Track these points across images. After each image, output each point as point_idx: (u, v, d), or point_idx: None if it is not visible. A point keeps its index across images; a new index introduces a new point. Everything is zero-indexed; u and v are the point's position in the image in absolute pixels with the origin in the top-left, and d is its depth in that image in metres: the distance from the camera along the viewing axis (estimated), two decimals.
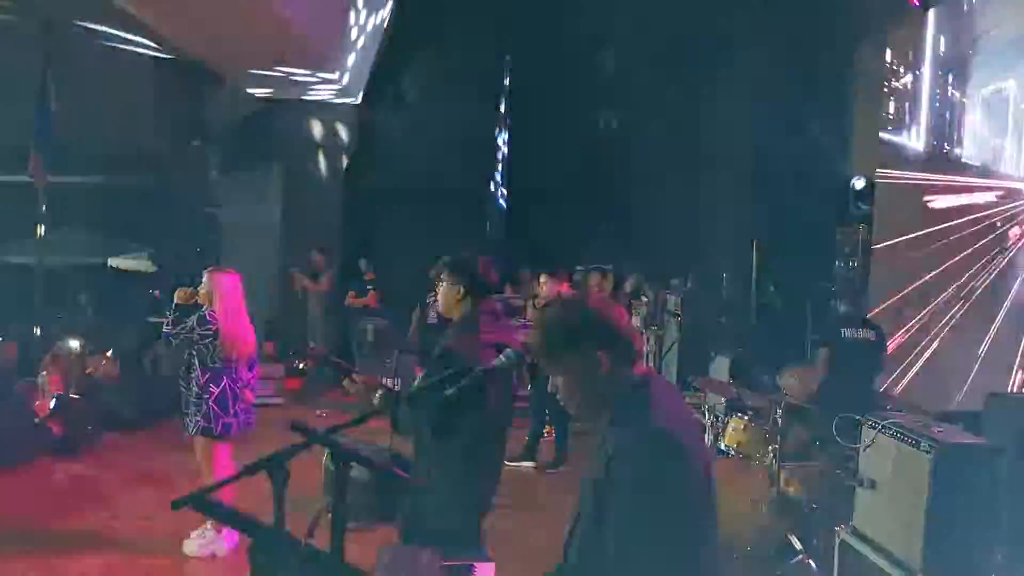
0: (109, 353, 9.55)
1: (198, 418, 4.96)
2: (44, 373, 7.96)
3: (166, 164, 10.26)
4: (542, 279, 7.57)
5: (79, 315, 18.97)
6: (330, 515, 2.11)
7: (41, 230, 10.62)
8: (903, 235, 7.72)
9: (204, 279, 5.10)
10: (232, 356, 5.02)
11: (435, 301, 9.32)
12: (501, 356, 2.38)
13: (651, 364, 8.73)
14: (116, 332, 13.40)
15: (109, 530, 5.51)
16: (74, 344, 9.59)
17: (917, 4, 7.05)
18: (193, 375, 5.01)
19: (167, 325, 5.04)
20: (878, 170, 8.67)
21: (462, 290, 3.35)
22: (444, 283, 3.42)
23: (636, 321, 9.94)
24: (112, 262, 19.35)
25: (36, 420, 7.22)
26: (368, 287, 10.92)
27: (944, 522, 3.31)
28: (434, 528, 3.32)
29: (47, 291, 11.30)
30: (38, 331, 10.68)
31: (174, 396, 5.65)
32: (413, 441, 3.43)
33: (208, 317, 4.96)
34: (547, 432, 7.90)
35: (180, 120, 9.77)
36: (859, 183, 9.21)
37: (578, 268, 11.09)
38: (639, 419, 1.87)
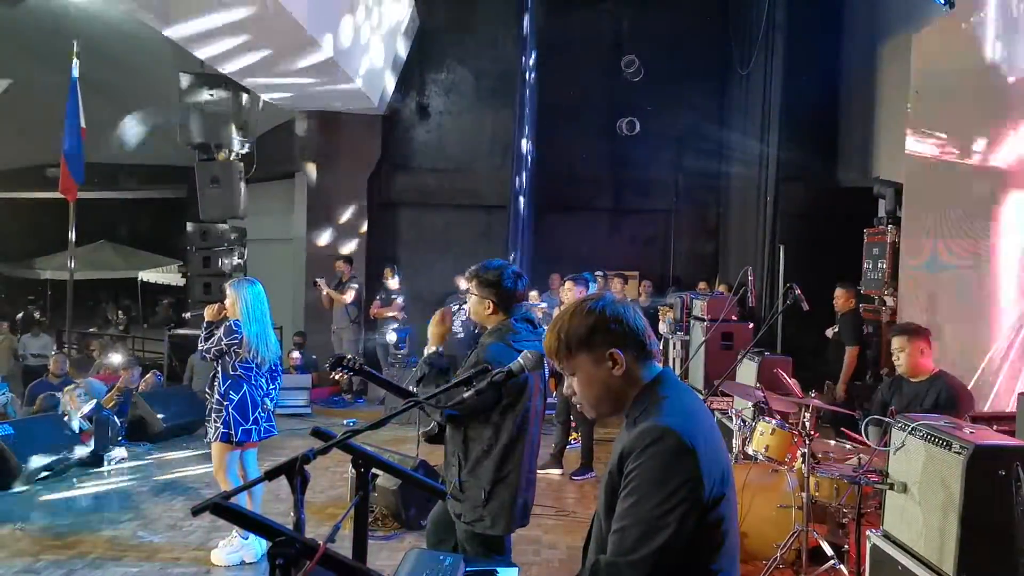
0: (139, 365, 9.68)
1: (218, 425, 5.03)
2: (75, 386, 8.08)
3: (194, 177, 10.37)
4: (567, 285, 7.56)
5: (109, 328, 19.33)
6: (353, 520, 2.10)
7: (72, 245, 10.79)
8: (932, 234, 7.61)
9: (228, 291, 5.17)
10: (253, 363, 5.09)
11: (459, 309, 9.34)
12: (519, 359, 2.37)
13: (678, 369, 8.67)
14: (146, 344, 13.60)
15: (139, 540, 5.56)
16: (117, 358, 9.76)
17: (942, 2, 6.95)
18: (216, 383, 5.10)
19: (201, 342, 5.15)
20: (905, 171, 8.56)
21: (491, 305, 3.35)
22: (474, 296, 3.42)
23: (663, 327, 9.88)
24: (142, 275, 19.66)
25: (68, 432, 7.31)
26: (393, 297, 10.96)
27: (977, 525, 3.24)
28: (462, 534, 3.31)
29: (78, 304, 11.47)
30: (70, 343, 10.86)
31: (202, 406, 5.73)
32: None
33: (234, 327, 5.03)
34: (573, 439, 7.88)
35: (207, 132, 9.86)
36: (885, 189, 9.10)
37: (598, 273, 11.07)
38: (652, 417, 1.86)
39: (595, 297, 2.02)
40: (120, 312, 19.87)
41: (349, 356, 3.61)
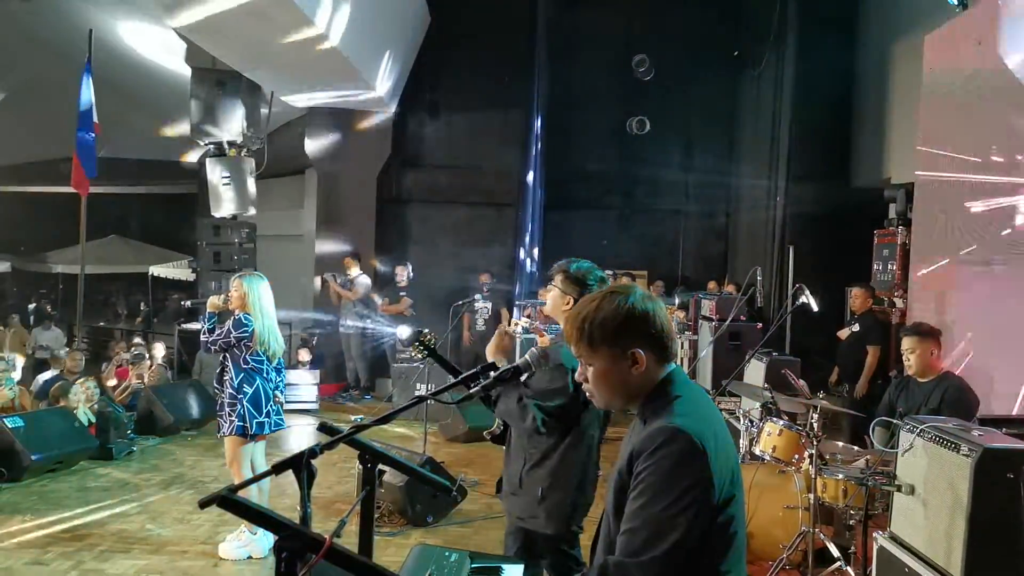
0: (149, 359, 9.73)
1: (233, 418, 5.05)
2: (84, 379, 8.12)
3: (205, 173, 10.42)
4: None
5: (119, 322, 19.43)
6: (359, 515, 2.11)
7: (83, 240, 10.84)
8: (943, 237, 7.58)
9: (234, 284, 5.18)
10: (264, 356, 5.13)
11: (473, 302, 9.22)
12: (527, 355, 2.38)
13: (686, 368, 8.66)
14: (156, 338, 13.67)
15: (147, 532, 5.59)
16: (138, 352, 9.81)
17: (955, 2, 6.91)
18: (227, 377, 5.13)
19: (204, 334, 5.16)
20: (917, 172, 8.52)
21: (572, 301, 3.31)
22: (555, 289, 3.36)
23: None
24: (153, 270, 19.74)
25: (77, 425, 7.35)
26: (401, 294, 10.98)
27: (985, 528, 3.23)
28: (527, 533, 3.31)
29: (89, 299, 11.50)
30: (80, 337, 10.92)
31: (211, 400, 5.76)
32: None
33: (244, 320, 5.06)
34: None
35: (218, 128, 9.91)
36: (895, 192, 9.04)
37: (608, 272, 11.07)
38: (663, 417, 1.84)
39: (624, 290, 1.96)
40: (142, 305, 19.98)
41: (426, 331, 3.57)
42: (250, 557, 5.11)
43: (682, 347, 9.56)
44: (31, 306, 17.45)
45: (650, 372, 1.93)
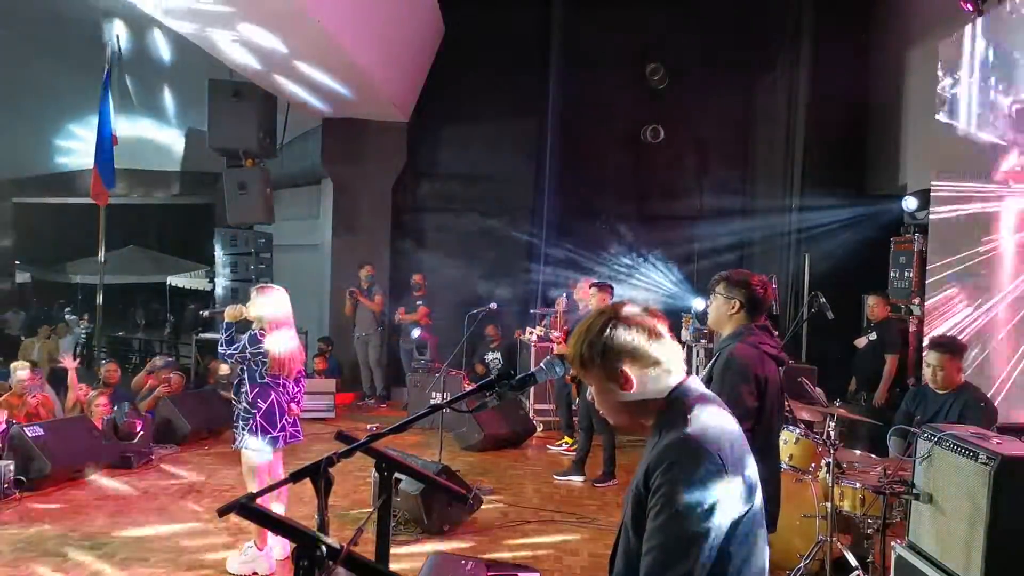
0: (171, 368, 9.79)
1: (245, 432, 5.06)
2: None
3: (222, 183, 10.50)
4: (590, 291, 7.58)
5: (138, 332, 19.56)
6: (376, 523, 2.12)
7: (102, 250, 10.95)
8: (960, 243, 7.52)
9: (252, 296, 5.21)
10: (280, 373, 5.12)
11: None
12: (541, 364, 2.38)
13: (702, 376, 8.63)
14: (174, 347, 13.79)
15: (164, 540, 5.62)
16: (163, 361, 9.88)
17: (969, 8, 6.88)
18: (243, 390, 5.13)
19: (222, 344, 5.16)
20: (932, 181, 8.47)
21: (738, 305, 3.33)
22: (718, 297, 3.40)
23: (685, 334, 9.85)
24: (171, 280, 19.91)
25: (96, 433, 7.41)
26: (418, 303, 11.02)
27: (1004, 537, 3.20)
28: None
29: (108, 308, 11.61)
30: (99, 346, 11.03)
31: (229, 409, 5.79)
32: None
33: (259, 336, 5.07)
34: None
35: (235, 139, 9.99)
36: (911, 202, 8.98)
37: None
38: (678, 429, 1.83)
39: (612, 311, 1.97)
40: (170, 315, 20.12)
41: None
42: (255, 573, 5.07)
43: (698, 355, 9.54)
44: (64, 316, 17.54)
45: (648, 387, 1.92)
